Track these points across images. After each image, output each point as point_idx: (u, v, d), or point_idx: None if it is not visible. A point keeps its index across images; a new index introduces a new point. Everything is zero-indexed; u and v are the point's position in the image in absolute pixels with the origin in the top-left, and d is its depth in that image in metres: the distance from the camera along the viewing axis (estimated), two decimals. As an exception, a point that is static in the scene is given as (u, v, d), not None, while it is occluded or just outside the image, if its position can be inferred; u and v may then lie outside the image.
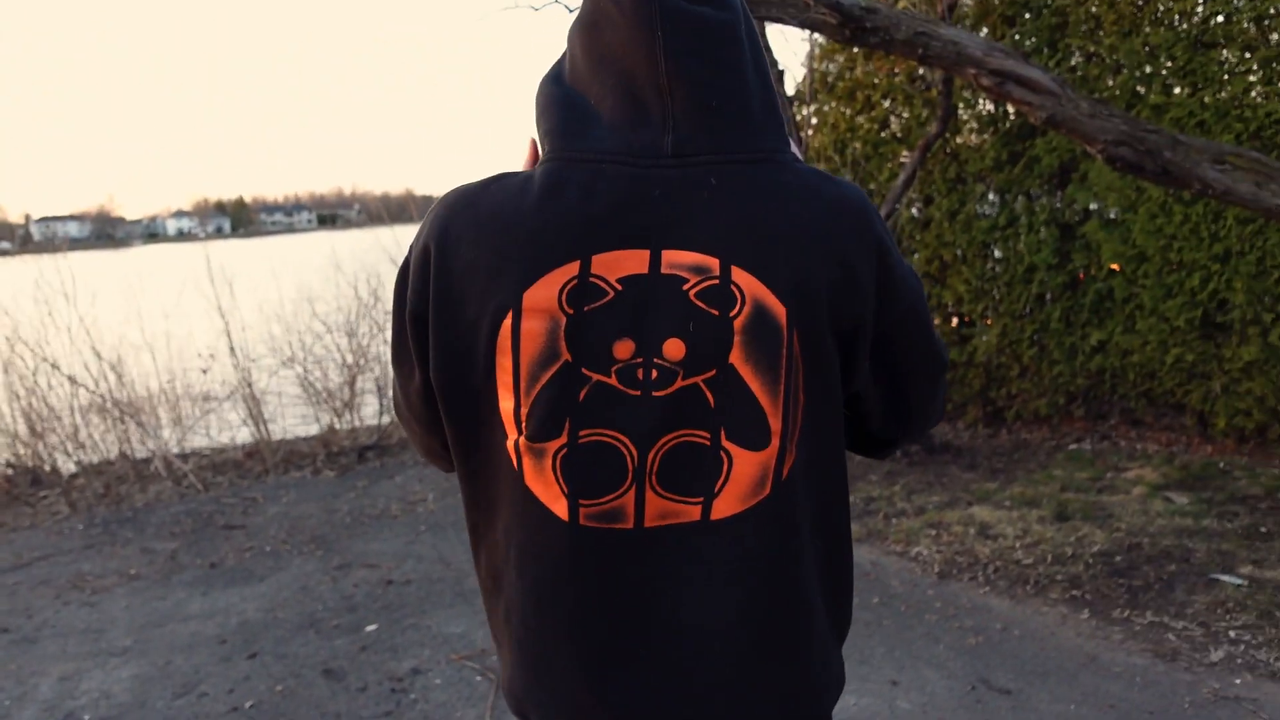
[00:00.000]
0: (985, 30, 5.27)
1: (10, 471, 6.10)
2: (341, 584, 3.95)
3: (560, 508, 0.87)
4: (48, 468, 6.16)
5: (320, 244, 7.83)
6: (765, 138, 0.90)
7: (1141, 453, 4.92)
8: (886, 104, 5.86)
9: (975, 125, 5.54)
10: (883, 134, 5.88)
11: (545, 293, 0.84)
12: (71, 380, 6.22)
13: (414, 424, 1.02)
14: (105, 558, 4.53)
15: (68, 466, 6.24)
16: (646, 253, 0.85)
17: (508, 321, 0.85)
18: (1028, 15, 5.09)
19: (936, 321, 6.08)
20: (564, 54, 0.96)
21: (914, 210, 5.83)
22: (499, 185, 0.90)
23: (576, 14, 0.94)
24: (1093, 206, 5.18)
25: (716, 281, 0.84)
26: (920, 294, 0.97)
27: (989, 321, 5.66)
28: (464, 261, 0.87)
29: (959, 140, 5.57)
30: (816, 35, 5.28)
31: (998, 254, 5.56)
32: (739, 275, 0.85)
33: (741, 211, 0.86)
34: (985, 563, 3.67)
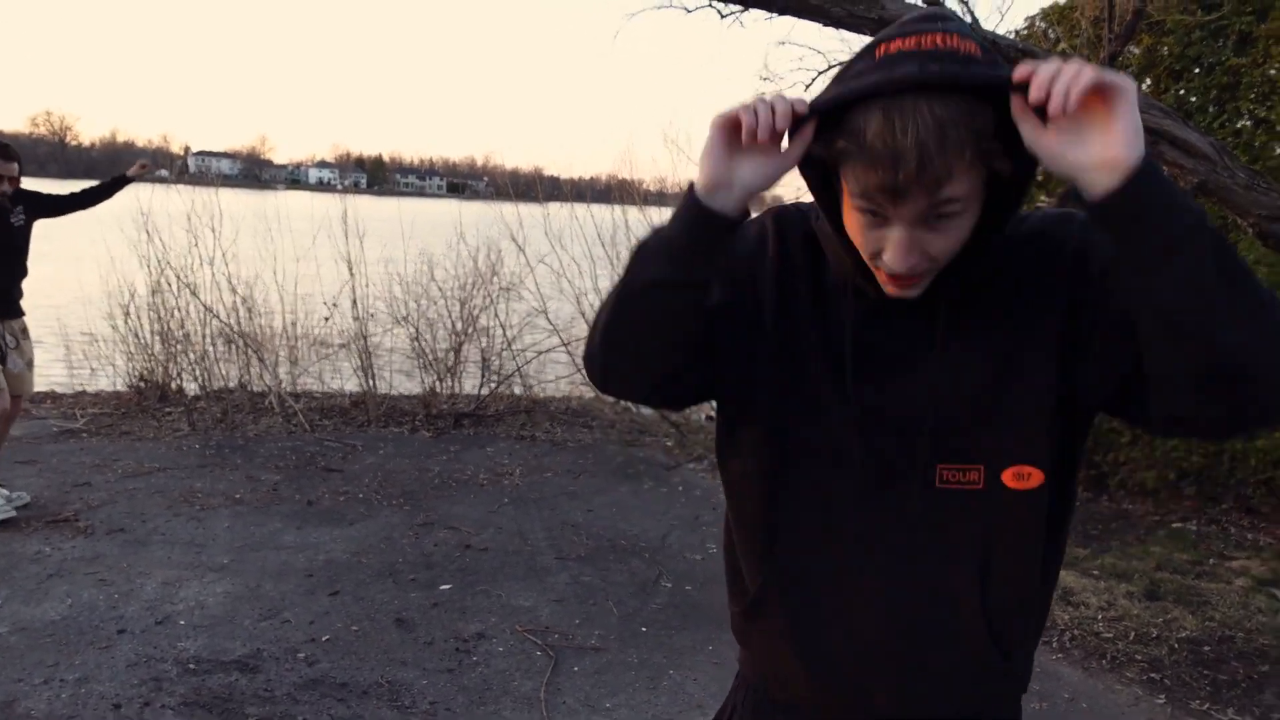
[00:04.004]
0: (1149, 83, 5.05)
1: (142, 385, 6.60)
2: (423, 541, 4.13)
3: None
4: (175, 386, 6.63)
5: (448, 211, 8.12)
6: None
7: (1251, 543, 4.64)
8: (1030, 145, 5.68)
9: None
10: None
11: None
12: (207, 309, 6.66)
13: None
14: (215, 479, 4.85)
15: (192, 388, 6.69)
16: None
17: None
18: (1196, 71, 4.86)
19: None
20: None
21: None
22: None
23: None
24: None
25: None
26: None
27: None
28: None
29: (1102, 192, 5.36)
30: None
31: (1126, 314, 5.33)
32: None
33: None
34: (1062, 629, 3.56)
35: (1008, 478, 0.97)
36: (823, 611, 1.03)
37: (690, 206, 0.93)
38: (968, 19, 2.66)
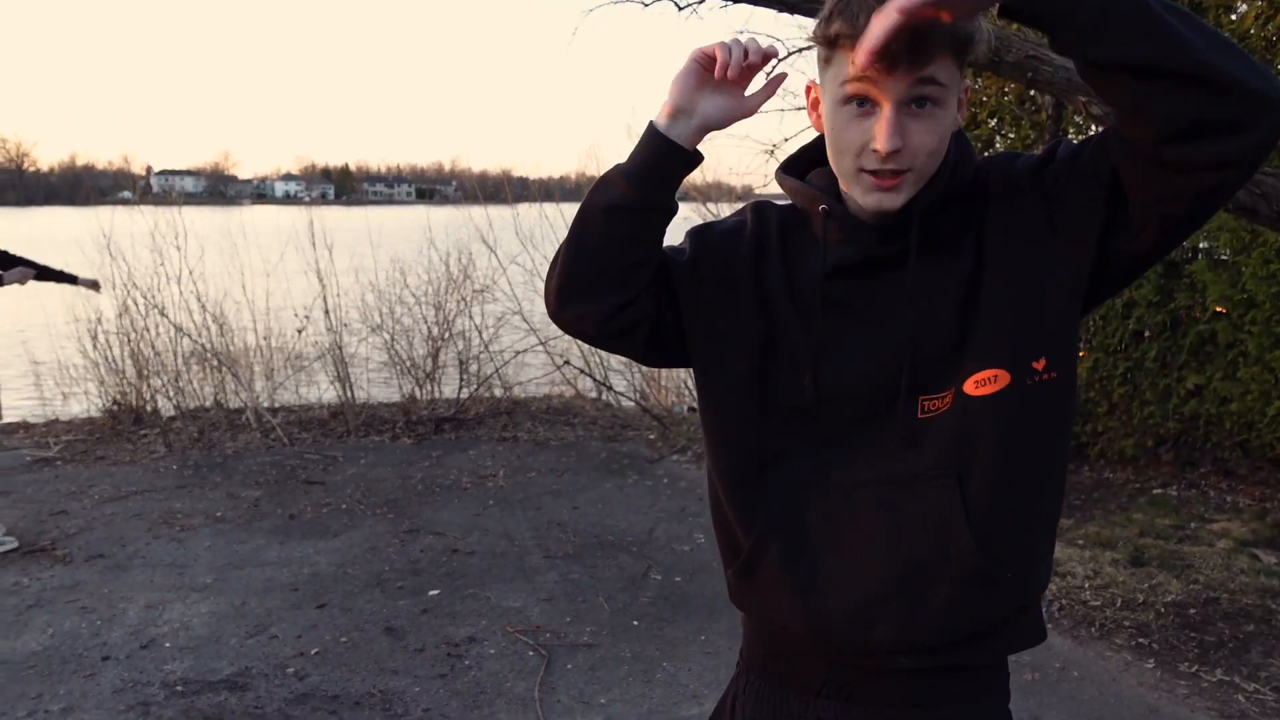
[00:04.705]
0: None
1: (116, 409, 6.50)
2: (409, 548, 4.10)
3: None
4: (149, 408, 6.54)
5: (417, 217, 8.06)
6: None
7: (1231, 505, 4.71)
8: (993, 123, 5.72)
9: (1085, 151, 5.37)
10: (986, 153, 5.74)
11: None
12: (177, 328, 6.57)
13: None
14: (194, 498, 4.79)
15: (167, 409, 6.61)
16: None
17: None
18: (1152, 41, 4.90)
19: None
20: None
21: (1012, 233, 5.69)
22: None
23: None
24: (1202, 245, 4.97)
25: None
26: None
27: (1082, 354, 5.49)
28: None
29: (1066, 165, 5.41)
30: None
31: (1096, 285, 5.38)
32: None
33: None
34: (1050, 599, 3.59)
35: (969, 387, 0.99)
36: (816, 555, 1.05)
37: (648, 136, 1.01)
38: None
